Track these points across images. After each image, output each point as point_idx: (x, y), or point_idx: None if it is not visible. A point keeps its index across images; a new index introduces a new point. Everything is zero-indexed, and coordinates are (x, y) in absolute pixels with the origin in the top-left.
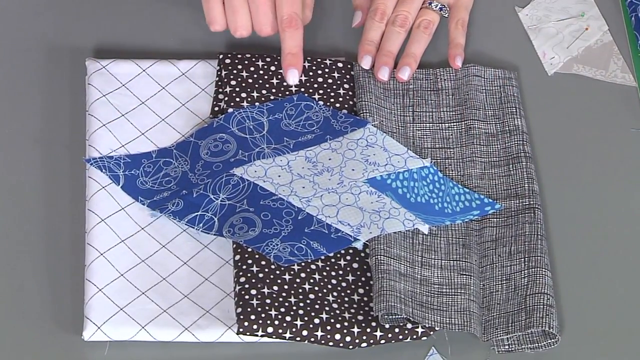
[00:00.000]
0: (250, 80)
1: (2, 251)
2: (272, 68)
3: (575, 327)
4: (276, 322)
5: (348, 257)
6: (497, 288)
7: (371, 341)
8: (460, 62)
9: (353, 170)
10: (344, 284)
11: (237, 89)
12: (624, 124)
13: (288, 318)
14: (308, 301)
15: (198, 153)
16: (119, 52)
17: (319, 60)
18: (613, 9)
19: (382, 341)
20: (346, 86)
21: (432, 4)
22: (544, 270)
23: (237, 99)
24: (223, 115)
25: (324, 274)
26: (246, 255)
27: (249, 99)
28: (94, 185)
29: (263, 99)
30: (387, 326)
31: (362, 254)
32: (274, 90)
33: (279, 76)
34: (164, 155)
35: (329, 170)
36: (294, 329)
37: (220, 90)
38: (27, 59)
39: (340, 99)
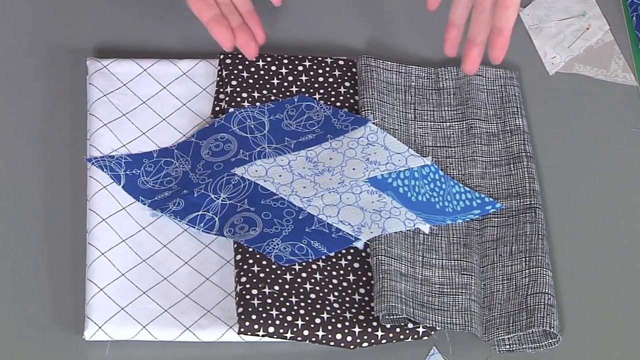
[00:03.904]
0: (250, 81)
1: (3, 251)
2: (273, 68)
3: (576, 326)
4: (277, 322)
5: (349, 257)
6: (498, 288)
7: (372, 341)
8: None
9: (354, 169)
10: (345, 284)
11: (238, 89)
12: (625, 124)
13: (289, 318)
14: (309, 301)
15: (199, 153)
16: (120, 52)
17: (319, 59)
18: (614, 8)
19: (383, 341)
20: (347, 84)
21: None
22: (544, 269)
23: (238, 99)
24: (224, 115)
25: (325, 273)
26: (247, 255)
27: (250, 99)
28: (95, 184)
29: (264, 99)
30: (388, 326)
31: (363, 254)
32: (274, 91)
33: (280, 76)
34: (165, 155)
35: (330, 170)
36: (295, 329)
37: (221, 90)
38: (28, 59)
39: (341, 98)
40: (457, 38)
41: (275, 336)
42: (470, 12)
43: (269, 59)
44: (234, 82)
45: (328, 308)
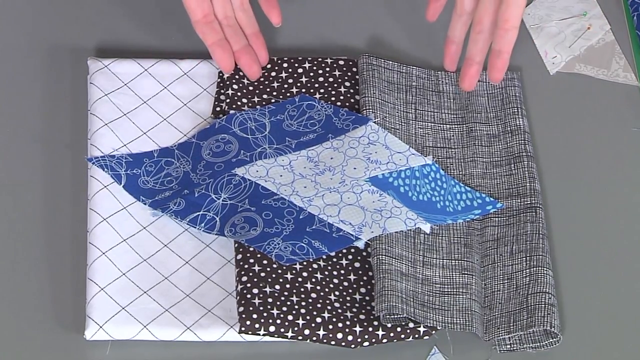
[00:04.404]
0: (251, 88)
1: (3, 251)
2: (273, 73)
3: (577, 326)
4: (278, 321)
5: (350, 257)
6: (499, 287)
7: (373, 340)
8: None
9: (355, 169)
10: (345, 283)
11: (239, 94)
12: (625, 124)
13: (290, 317)
14: (310, 300)
15: (200, 153)
16: (121, 52)
17: (320, 59)
18: (615, 8)
19: (384, 340)
20: (347, 84)
21: None
22: (545, 269)
23: (239, 103)
24: (225, 116)
25: (326, 273)
26: (248, 255)
27: (250, 104)
28: (95, 184)
29: (264, 102)
30: (389, 325)
31: (364, 253)
32: (275, 94)
33: (280, 80)
34: (166, 155)
35: (331, 170)
36: (295, 328)
37: (222, 91)
38: (29, 59)
39: (342, 97)
40: (457, 53)
41: (276, 335)
42: (469, 28)
43: (269, 65)
44: (234, 87)
45: (329, 307)
